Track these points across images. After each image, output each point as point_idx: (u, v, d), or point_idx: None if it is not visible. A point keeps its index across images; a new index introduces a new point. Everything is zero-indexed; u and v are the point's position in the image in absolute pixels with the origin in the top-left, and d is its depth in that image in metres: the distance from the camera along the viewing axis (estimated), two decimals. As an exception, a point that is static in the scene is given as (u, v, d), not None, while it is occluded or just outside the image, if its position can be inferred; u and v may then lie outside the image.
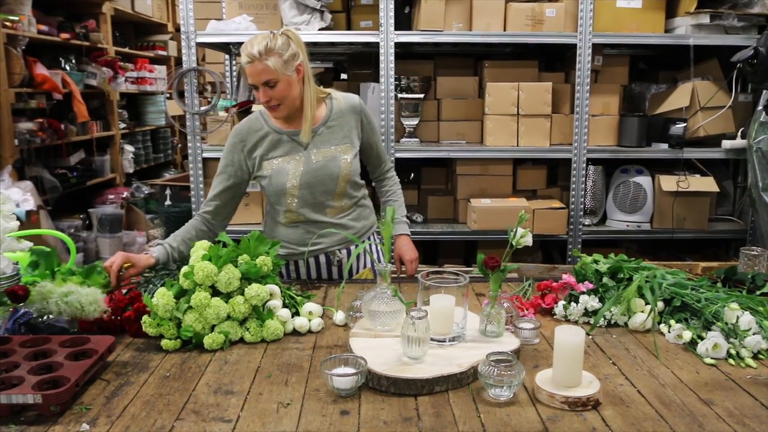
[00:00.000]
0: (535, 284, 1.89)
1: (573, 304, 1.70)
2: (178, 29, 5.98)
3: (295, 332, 1.63)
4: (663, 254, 3.69)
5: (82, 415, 1.22)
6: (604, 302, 1.68)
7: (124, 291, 1.74)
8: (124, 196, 5.26)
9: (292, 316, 1.65)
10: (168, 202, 4.01)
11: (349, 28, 3.46)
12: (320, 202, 2.03)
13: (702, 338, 1.52)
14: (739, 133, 3.36)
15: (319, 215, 2.04)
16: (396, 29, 3.23)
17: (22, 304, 1.53)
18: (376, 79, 3.39)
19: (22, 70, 3.89)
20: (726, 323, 1.52)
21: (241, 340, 1.58)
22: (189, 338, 1.53)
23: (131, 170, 5.71)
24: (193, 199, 3.41)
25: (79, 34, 4.73)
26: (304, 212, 2.02)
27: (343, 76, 4.52)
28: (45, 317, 1.53)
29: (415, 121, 3.50)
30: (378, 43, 3.24)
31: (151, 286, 1.74)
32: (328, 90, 2.08)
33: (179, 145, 7.01)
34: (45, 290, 1.54)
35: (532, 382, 1.32)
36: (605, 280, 1.73)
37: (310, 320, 1.65)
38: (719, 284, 1.80)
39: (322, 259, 2.10)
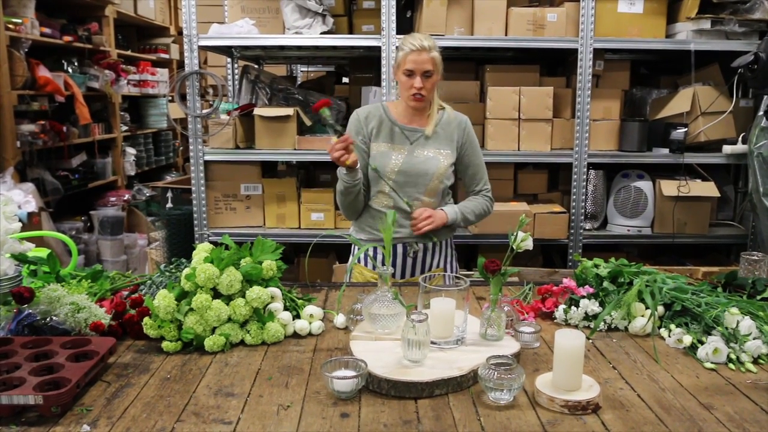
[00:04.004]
0: (536, 288, 1.89)
1: (573, 308, 1.70)
2: (180, 32, 5.99)
3: (295, 335, 1.64)
4: (664, 259, 3.69)
5: (82, 416, 1.23)
6: (604, 306, 1.68)
7: (125, 293, 1.75)
8: (125, 198, 5.27)
9: (293, 319, 1.65)
10: (169, 205, 4.01)
11: (350, 32, 3.47)
12: (412, 193, 2.15)
13: (702, 343, 1.52)
14: (739, 138, 3.36)
15: (407, 205, 2.15)
16: (398, 33, 3.23)
17: (26, 305, 1.54)
18: (378, 83, 3.40)
19: (25, 73, 3.90)
20: (726, 328, 1.53)
21: (242, 343, 1.58)
22: (190, 340, 1.53)
23: (133, 173, 5.72)
24: (194, 202, 3.40)
25: (82, 37, 4.75)
26: (395, 197, 2.15)
27: (345, 80, 4.53)
28: (48, 319, 1.53)
29: (416, 125, 3.50)
30: (380, 47, 3.25)
31: (153, 287, 1.74)
32: (445, 104, 2.26)
33: (181, 148, 7.02)
34: (54, 295, 1.55)
35: (532, 386, 1.32)
36: (606, 284, 1.73)
37: (310, 323, 1.65)
38: (719, 289, 1.80)
39: (399, 249, 2.19)
